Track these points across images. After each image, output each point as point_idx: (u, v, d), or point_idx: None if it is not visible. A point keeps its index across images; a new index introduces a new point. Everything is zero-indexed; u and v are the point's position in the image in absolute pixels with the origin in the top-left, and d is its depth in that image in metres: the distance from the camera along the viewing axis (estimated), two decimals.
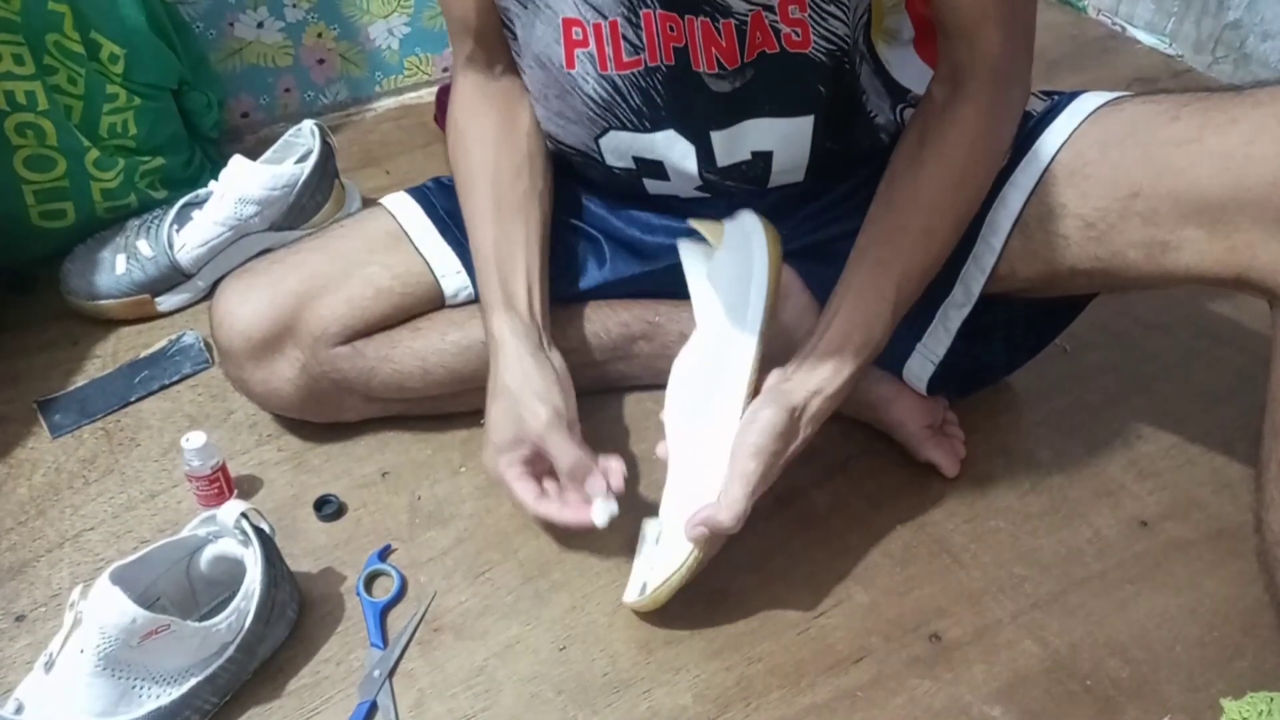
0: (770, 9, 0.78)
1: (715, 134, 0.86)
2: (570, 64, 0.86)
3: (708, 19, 0.79)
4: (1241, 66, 1.48)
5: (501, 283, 0.87)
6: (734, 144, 0.87)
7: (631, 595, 0.83)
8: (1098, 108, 0.80)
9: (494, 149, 0.92)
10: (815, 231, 0.93)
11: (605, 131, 0.90)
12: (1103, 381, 1.03)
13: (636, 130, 0.88)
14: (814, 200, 0.93)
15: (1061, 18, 1.68)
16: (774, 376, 0.80)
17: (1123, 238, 0.76)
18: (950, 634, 0.83)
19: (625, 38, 0.82)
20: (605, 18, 0.82)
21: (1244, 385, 1.01)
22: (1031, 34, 0.80)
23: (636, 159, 0.91)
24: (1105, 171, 0.77)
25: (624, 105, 0.87)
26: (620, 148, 0.91)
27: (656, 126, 0.87)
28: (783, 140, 0.87)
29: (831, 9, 0.78)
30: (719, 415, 0.81)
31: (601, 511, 0.80)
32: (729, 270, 0.85)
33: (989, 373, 0.96)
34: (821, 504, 0.93)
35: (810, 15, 0.79)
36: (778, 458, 0.77)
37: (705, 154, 0.88)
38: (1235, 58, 1.49)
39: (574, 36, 0.84)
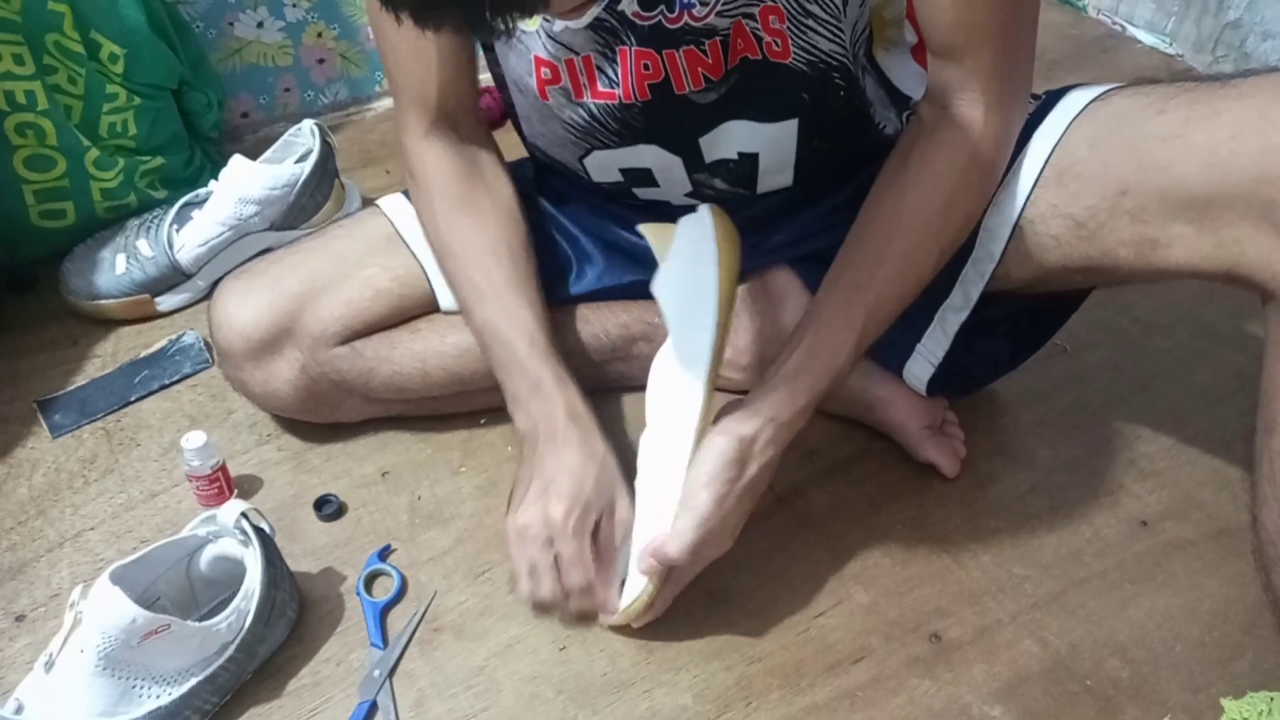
0: (751, 17, 0.78)
1: (701, 139, 0.86)
2: (544, 96, 0.85)
3: (691, 46, 0.79)
4: (1241, 66, 1.48)
5: (557, 357, 0.85)
6: (719, 144, 0.87)
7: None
8: (1087, 104, 0.79)
9: (495, 223, 0.89)
10: (811, 239, 0.93)
11: (588, 152, 0.90)
12: (1103, 381, 1.03)
13: (619, 147, 0.88)
14: (809, 208, 0.93)
15: (1061, 18, 1.68)
16: (734, 403, 0.79)
17: (1113, 236, 0.76)
18: (950, 634, 0.83)
19: (600, 69, 0.82)
20: (577, 54, 0.81)
21: (1244, 385, 1.00)
22: (1030, 52, 0.78)
23: (623, 170, 0.91)
24: (1094, 170, 0.76)
25: (603, 128, 0.86)
26: (606, 163, 0.91)
27: (639, 142, 0.87)
28: (767, 143, 0.87)
29: (811, 24, 0.78)
30: (676, 429, 0.80)
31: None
32: (683, 275, 0.83)
33: (993, 368, 0.95)
34: (821, 504, 0.93)
35: (789, 27, 0.78)
36: (731, 484, 0.76)
37: (692, 161, 0.88)
38: (1235, 57, 1.48)
39: (543, 76, 0.84)
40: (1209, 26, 1.51)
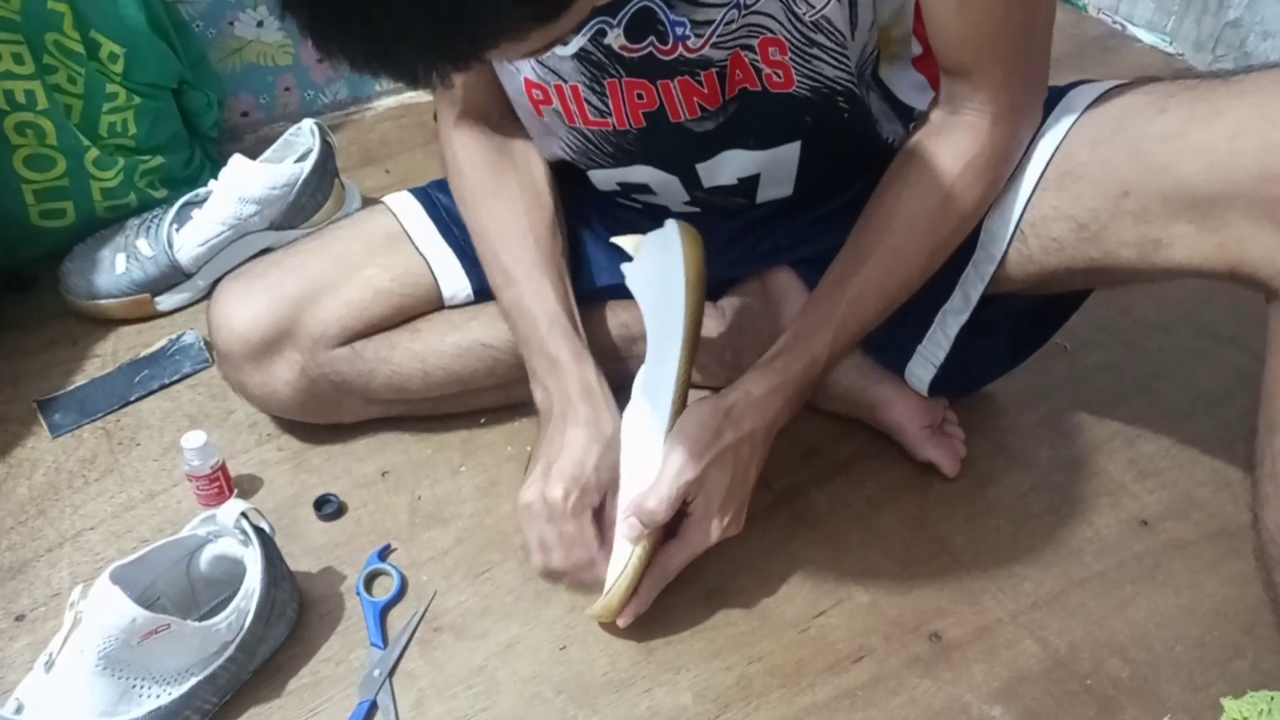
0: (750, 48, 0.77)
1: (699, 165, 0.86)
2: (539, 114, 0.86)
3: (686, 76, 0.78)
4: (1242, 65, 1.48)
5: (577, 334, 0.86)
6: (718, 171, 0.87)
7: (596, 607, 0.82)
8: (1087, 105, 0.79)
9: (524, 207, 0.90)
10: (811, 241, 0.92)
11: (584, 171, 0.90)
12: (1103, 381, 1.03)
13: (615, 167, 0.88)
14: (809, 211, 0.93)
15: (1061, 17, 1.66)
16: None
17: (1115, 237, 0.75)
18: (950, 634, 0.83)
19: (589, 101, 0.82)
20: (566, 82, 0.81)
21: (1244, 385, 1.00)
22: (1043, 68, 0.78)
23: (621, 184, 0.92)
24: (1095, 171, 0.76)
25: (598, 150, 0.87)
26: (602, 180, 0.91)
27: (635, 163, 0.87)
28: (768, 165, 0.87)
29: (815, 52, 0.77)
30: (654, 405, 0.81)
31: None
32: (653, 280, 0.85)
33: (994, 367, 0.95)
34: (821, 504, 0.93)
35: (792, 58, 0.78)
36: (707, 445, 0.77)
37: (690, 181, 0.89)
38: (1235, 56, 1.49)
39: (535, 96, 0.84)
40: (1209, 25, 1.51)
